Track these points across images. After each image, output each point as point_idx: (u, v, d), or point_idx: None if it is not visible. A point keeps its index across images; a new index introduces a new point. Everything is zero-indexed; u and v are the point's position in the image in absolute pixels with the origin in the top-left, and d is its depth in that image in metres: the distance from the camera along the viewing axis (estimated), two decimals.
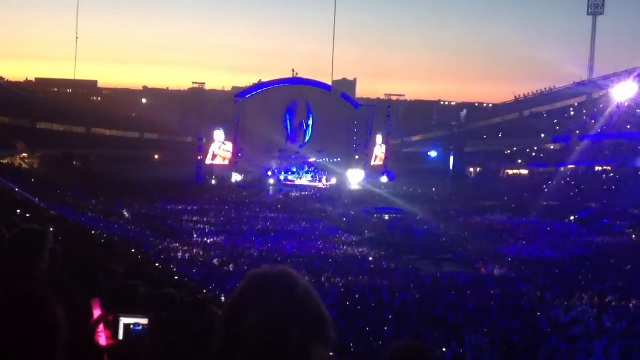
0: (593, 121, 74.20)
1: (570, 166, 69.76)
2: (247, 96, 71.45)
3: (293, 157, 70.28)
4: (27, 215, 24.08)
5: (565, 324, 22.19)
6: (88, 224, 34.76)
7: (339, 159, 70.81)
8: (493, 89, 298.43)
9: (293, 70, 74.74)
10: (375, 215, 50.29)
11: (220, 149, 66.61)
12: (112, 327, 4.12)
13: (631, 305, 24.45)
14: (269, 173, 67.16)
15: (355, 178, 68.44)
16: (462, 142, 77.37)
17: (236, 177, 65.73)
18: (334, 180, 67.51)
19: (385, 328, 21.03)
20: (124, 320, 4.11)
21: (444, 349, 18.53)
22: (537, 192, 60.57)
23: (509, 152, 78.63)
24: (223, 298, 16.58)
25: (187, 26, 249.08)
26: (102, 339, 4.10)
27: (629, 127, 71.62)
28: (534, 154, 77.27)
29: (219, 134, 66.40)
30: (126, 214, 45.76)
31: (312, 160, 70.49)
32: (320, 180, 67.47)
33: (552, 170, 69.71)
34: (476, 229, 46.13)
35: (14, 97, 68.15)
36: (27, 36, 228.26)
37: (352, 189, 65.47)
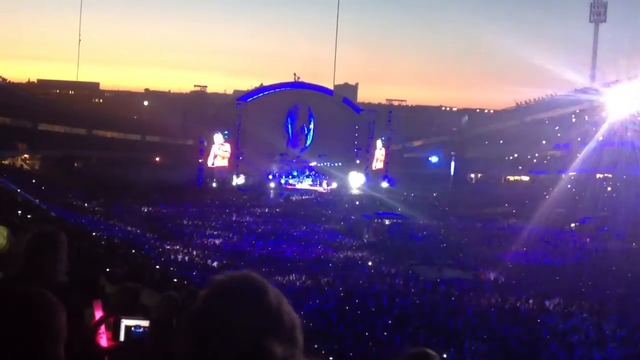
0: (594, 128, 74.17)
1: (571, 173, 69.72)
2: (249, 100, 71.41)
3: (294, 160, 70.22)
4: (28, 216, 24.10)
5: (564, 331, 22.17)
6: (88, 226, 34.76)
7: (339, 163, 70.77)
8: (494, 95, 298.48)
9: (295, 74, 74.71)
10: (376, 220, 50.29)
11: (220, 150, 66.70)
12: (114, 329, 4.13)
13: (631, 313, 24.43)
14: (270, 176, 67.17)
15: (355, 182, 68.44)
16: (463, 147, 77.23)
17: (237, 180, 65.77)
18: (334, 185, 67.48)
19: (385, 333, 21.01)
20: (125, 322, 4.13)
21: (444, 355, 18.51)
22: (538, 198, 60.54)
23: (510, 158, 78.62)
24: None
25: (190, 29, 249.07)
26: (103, 341, 4.11)
27: (629, 134, 71.60)
28: (535, 161, 77.23)
29: (218, 138, 66.45)
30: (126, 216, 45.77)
31: (313, 164, 70.41)
32: (320, 184, 67.45)
33: (553, 177, 69.67)
34: (476, 234, 46.14)
35: (15, 98, 68.07)
36: (29, 37, 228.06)
37: (353, 193, 65.52)
